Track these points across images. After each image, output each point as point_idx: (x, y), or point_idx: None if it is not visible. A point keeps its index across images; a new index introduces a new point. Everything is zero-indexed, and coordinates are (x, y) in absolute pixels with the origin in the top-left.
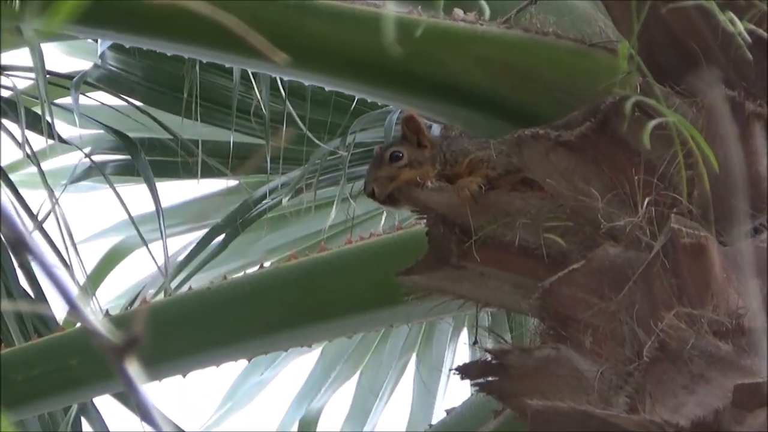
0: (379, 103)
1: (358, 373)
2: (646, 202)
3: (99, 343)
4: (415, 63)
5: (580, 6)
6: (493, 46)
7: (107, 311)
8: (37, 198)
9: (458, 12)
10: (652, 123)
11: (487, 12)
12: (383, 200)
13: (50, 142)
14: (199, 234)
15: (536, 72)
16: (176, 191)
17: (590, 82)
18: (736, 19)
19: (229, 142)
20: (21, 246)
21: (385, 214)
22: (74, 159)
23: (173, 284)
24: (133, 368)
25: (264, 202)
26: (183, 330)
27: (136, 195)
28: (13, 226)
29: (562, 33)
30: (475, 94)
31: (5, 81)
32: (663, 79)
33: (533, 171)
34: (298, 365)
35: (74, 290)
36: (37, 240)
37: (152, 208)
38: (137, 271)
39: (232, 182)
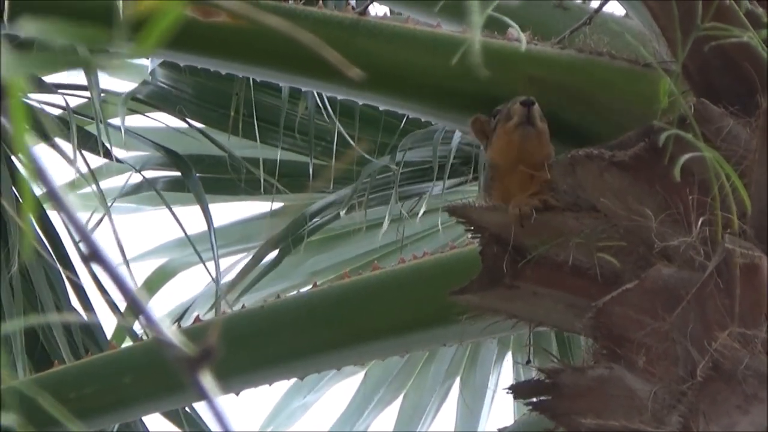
0: (430, 122)
1: (401, 396)
2: (700, 222)
3: (174, 355)
4: (468, 82)
5: (634, 26)
6: (547, 66)
7: (178, 323)
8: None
9: (512, 31)
10: (684, 157)
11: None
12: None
13: (103, 160)
14: (243, 256)
15: (590, 93)
16: (219, 213)
17: (644, 103)
18: None
19: (276, 160)
20: (94, 258)
21: (440, 232)
22: (121, 182)
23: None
24: (208, 380)
25: (313, 221)
26: (237, 348)
27: (181, 217)
28: (87, 238)
29: (617, 53)
30: None
31: (58, 99)
32: (717, 99)
33: (587, 191)
34: (342, 388)
35: (145, 303)
36: (106, 253)
37: (196, 230)
38: (180, 294)
39: (277, 204)
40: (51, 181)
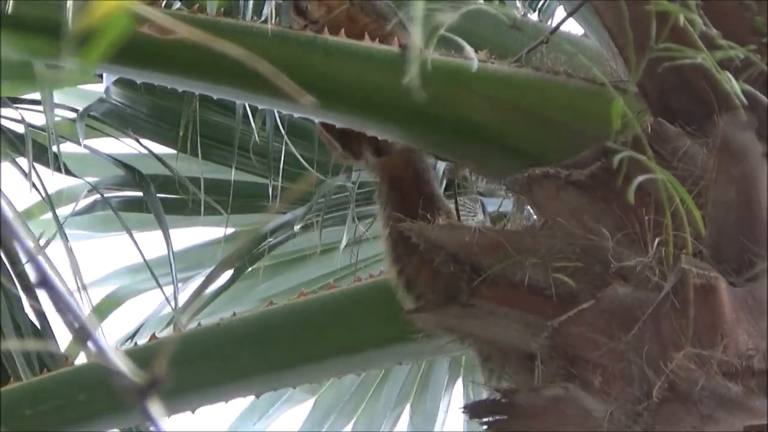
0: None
1: (352, 422)
2: (656, 242)
3: (120, 384)
4: (426, 101)
5: (592, 45)
6: (504, 84)
7: (133, 342)
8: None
9: (469, 50)
10: (638, 180)
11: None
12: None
13: (58, 177)
14: (198, 281)
15: (547, 111)
16: (174, 237)
17: (601, 122)
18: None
19: (233, 182)
20: (43, 283)
21: None
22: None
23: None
24: (156, 408)
25: (267, 241)
26: (192, 365)
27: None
28: (37, 264)
29: (573, 72)
30: (484, 133)
31: (14, 113)
32: (674, 119)
33: (544, 210)
34: (293, 415)
35: (93, 330)
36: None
37: (149, 257)
38: (130, 322)
39: (231, 228)
40: None
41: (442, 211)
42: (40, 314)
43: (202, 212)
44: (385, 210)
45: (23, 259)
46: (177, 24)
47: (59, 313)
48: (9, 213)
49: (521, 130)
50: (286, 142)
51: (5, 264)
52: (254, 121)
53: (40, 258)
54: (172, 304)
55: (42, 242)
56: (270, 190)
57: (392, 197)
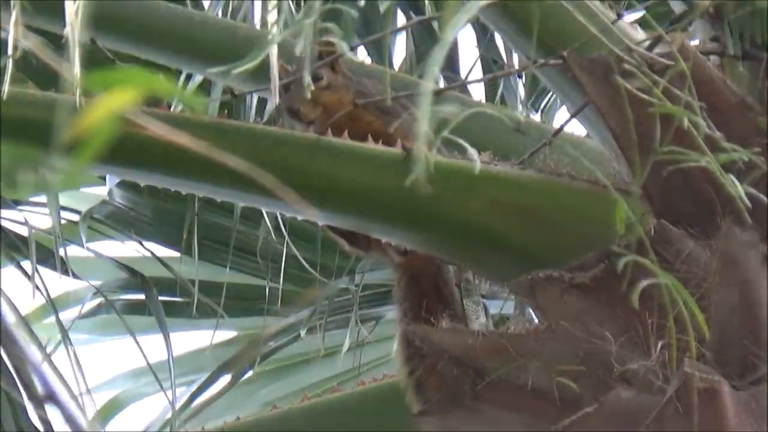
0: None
1: None
2: (659, 346)
3: None
4: (430, 203)
5: (595, 146)
6: (507, 187)
7: None
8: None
9: (472, 152)
10: (642, 284)
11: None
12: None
13: (62, 278)
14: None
15: (550, 213)
16: (175, 341)
17: (604, 224)
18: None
19: (236, 283)
20: (49, 398)
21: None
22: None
23: None
24: None
25: (270, 344)
26: None
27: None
28: (42, 377)
29: (576, 174)
30: (487, 235)
31: (18, 216)
32: (677, 221)
33: (547, 313)
34: None
35: None
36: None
37: (150, 360)
38: (132, 426)
39: (231, 332)
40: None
41: (457, 313)
42: (46, 422)
43: (194, 313)
44: (401, 308)
45: (28, 368)
46: (178, 134)
47: (66, 423)
48: (12, 319)
49: (524, 233)
50: (287, 244)
51: (10, 372)
52: (257, 224)
53: (46, 370)
54: (172, 402)
55: (47, 348)
56: (271, 292)
57: (410, 296)
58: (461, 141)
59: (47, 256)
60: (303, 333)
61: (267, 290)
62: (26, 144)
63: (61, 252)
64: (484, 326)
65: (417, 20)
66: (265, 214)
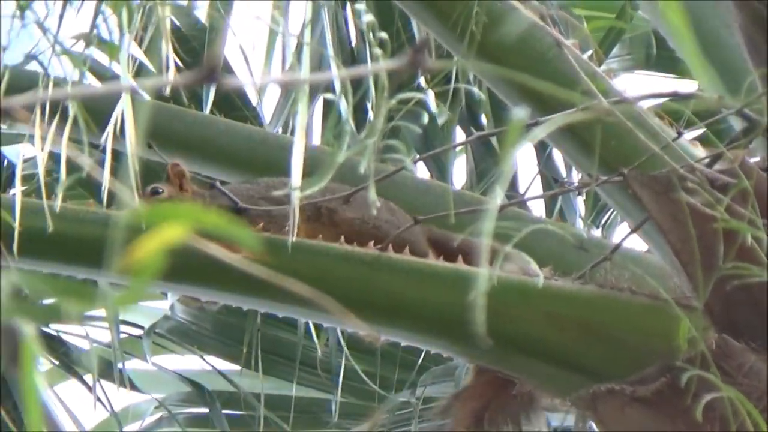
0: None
1: None
2: None
3: None
4: (489, 319)
5: (656, 261)
6: (566, 302)
7: None
8: None
9: (534, 266)
10: (707, 398)
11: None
12: None
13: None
14: None
15: (610, 328)
16: None
17: (665, 339)
18: None
19: (294, 397)
20: None
21: None
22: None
23: None
24: None
25: None
26: None
27: None
28: None
29: (637, 289)
30: (547, 349)
31: (81, 330)
32: (739, 335)
33: (608, 426)
34: None
35: None
36: None
37: None
38: None
39: None
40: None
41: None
42: None
43: (260, 427)
44: (464, 408)
45: None
46: (239, 259)
47: None
48: None
49: (585, 347)
50: (348, 358)
51: None
52: (317, 338)
53: None
54: None
55: None
56: (333, 405)
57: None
58: (525, 255)
59: (110, 370)
60: None
61: (336, 404)
62: (85, 261)
63: (122, 365)
64: None
65: (476, 136)
66: (329, 330)
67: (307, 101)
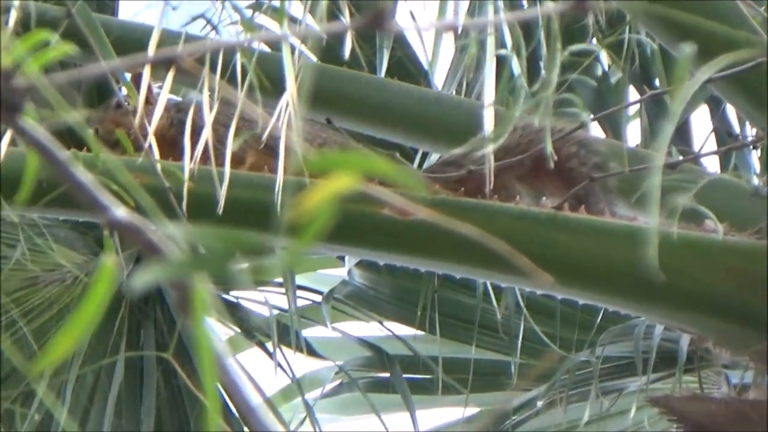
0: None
1: None
2: None
3: None
4: (665, 274)
5: None
6: (747, 257)
7: None
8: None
9: (709, 223)
10: None
11: None
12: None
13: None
14: None
15: None
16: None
17: None
18: None
19: (470, 359)
20: None
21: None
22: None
23: None
24: None
25: (511, 418)
26: None
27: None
28: None
29: None
30: (726, 305)
31: (258, 296)
32: None
33: None
34: None
35: None
36: None
37: None
38: None
39: (473, 409)
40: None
41: None
42: None
43: (438, 390)
44: None
45: None
46: (415, 207)
47: None
48: (257, 400)
49: (764, 302)
50: (527, 319)
51: None
52: (495, 300)
53: None
54: None
55: (292, 428)
56: (510, 366)
57: None
58: (703, 209)
59: (289, 337)
60: (540, 404)
61: (515, 366)
62: (251, 226)
63: (301, 331)
64: (726, 395)
65: (649, 95)
66: (507, 292)
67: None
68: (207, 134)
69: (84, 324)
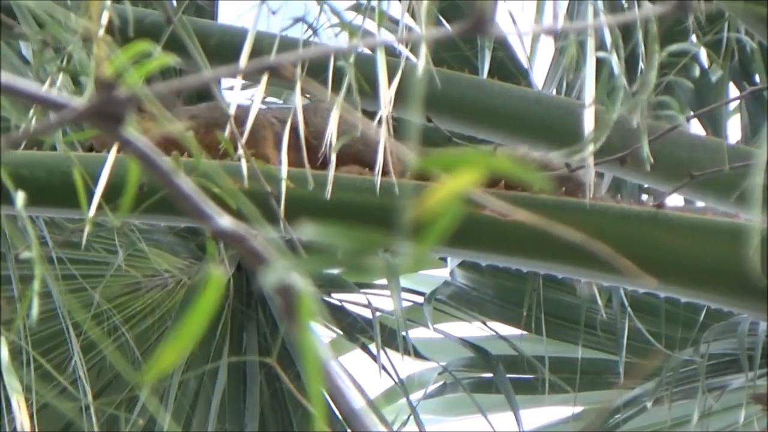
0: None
1: None
2: None
3: None
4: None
5: None
6: None
7: None
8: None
9: None
10: None
11: None
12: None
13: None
14: None
15: None
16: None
17: None
18: None
19: (577, 358)
20: None
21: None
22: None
23: None
24: None
25: (616, 416)
26: None
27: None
28: None
29: None
30: None
31: (360, 298)
32: None
33: None
34: None
35: None
36: None
37: None
38: None
39: (579, 407)
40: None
41: None
42: None
43: (545, 390)
44: None
45: None
46: (515, 209)
47: None
48: (361, 402)
49: None
50: (631, 318)
51: None
52: (600, 299)
53: None
54: None
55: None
56: (615, 365)
57: None
58: None
59: (392, 338)
60: (649, 405)
61: (621, 365)
62: (366, 228)
63: (406, 333)
64: None
65: (749, 91)
66: (612, 291)
67: (588, 54)
68: (299, 138)
69: (190, 334)
